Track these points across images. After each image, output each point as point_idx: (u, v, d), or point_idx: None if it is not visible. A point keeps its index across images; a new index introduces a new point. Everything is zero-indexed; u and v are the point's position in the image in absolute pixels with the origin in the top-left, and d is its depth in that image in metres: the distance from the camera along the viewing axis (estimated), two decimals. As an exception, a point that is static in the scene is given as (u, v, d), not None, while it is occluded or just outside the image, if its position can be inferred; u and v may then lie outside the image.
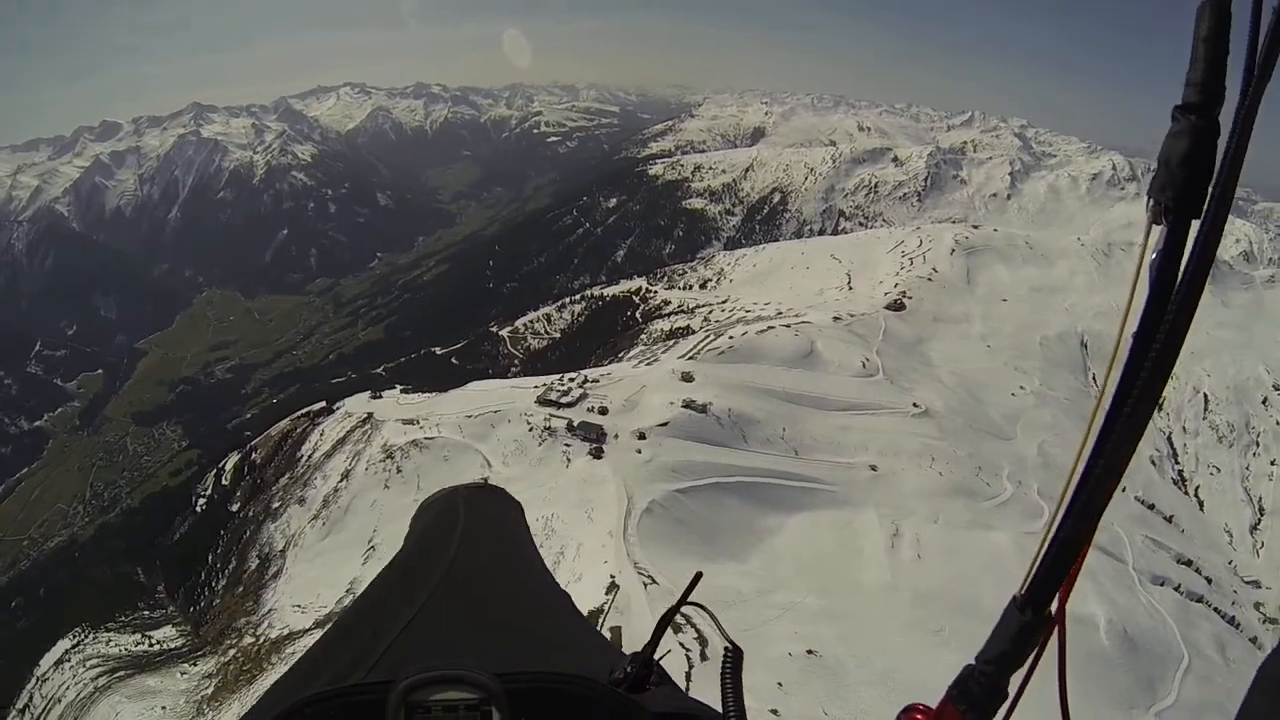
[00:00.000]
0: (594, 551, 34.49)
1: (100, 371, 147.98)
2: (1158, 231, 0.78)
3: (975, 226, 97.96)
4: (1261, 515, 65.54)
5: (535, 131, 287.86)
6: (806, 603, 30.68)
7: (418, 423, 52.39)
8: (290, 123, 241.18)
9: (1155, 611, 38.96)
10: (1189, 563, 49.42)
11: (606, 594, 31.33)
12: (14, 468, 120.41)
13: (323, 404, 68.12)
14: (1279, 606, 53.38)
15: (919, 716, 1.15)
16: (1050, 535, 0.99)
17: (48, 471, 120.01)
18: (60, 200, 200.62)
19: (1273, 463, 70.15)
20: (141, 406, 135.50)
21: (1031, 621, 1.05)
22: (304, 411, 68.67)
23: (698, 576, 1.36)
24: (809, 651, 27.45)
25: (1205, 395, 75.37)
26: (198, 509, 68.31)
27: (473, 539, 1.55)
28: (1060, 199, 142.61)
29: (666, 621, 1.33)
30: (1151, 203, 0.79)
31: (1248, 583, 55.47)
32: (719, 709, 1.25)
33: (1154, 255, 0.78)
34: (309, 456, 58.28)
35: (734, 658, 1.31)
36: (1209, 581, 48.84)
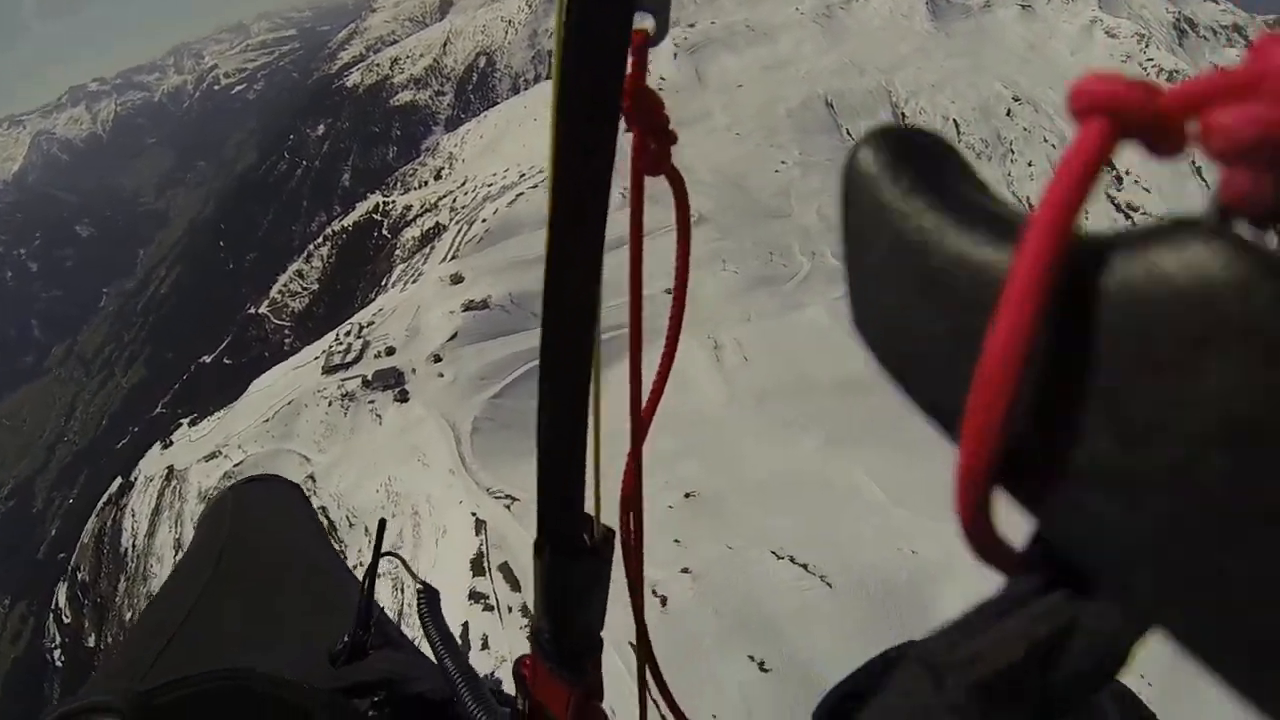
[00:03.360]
0: (445, 497, 33.14)
1: None
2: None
3: (691, 25, 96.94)
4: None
5: (216, 88, 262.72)
6: (662, 448, 30.81)
7: (220, 453, 47.55)
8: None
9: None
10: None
11: (477, 535, 30.32)
12: None
13: (119, 481, 60.77)
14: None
15: (525, 669, 1.02)
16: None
17: None
18: None
19: (1030, 164, 76.77)
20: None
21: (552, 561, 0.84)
22: (105, 500, 61.30)
23: (382, 524, 1.33)
24: (687, 495, 27.68)
25: (954, 120, 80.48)
26: (58, 664, 61.82)
27: (239, 535, 1.53)
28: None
29: (370, 582, 1.25)
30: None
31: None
32: None
33: None
34: (133, 546, 52.31)
35: (428, 599, 1.25)
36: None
